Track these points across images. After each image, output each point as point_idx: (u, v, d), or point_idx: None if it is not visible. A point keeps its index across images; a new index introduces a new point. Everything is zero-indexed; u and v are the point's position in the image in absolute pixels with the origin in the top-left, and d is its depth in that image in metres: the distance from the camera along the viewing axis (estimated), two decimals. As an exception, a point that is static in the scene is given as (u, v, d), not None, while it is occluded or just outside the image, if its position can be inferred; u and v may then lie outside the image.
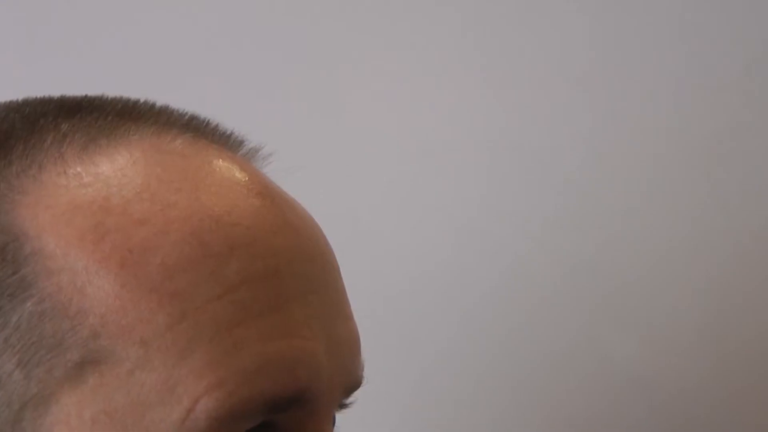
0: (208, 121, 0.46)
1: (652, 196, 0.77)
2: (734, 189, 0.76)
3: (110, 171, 0.41)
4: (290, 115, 0.81)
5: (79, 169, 0.41)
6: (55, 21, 0.86)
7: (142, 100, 0.45)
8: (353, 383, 0.46)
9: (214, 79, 0.82)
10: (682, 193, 0.76)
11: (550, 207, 0.78)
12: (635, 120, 0.77)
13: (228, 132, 0.46)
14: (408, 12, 0.80)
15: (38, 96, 0.45)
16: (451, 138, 0.80)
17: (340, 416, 0.47)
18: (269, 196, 0.44)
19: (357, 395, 0.47)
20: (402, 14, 0.81)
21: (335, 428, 0.46)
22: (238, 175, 0.43)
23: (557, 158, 0.78)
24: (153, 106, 0.45)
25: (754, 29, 0.76)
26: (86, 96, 0.45)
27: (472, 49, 0.80)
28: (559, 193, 0.78)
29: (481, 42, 0.80)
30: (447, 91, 0.80)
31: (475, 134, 0.79)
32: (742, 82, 0.76)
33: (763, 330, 0.75)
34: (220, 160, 0.44)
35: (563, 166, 0.78)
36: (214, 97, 0.74)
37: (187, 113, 0.46)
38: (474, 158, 0.79)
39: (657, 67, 0.77)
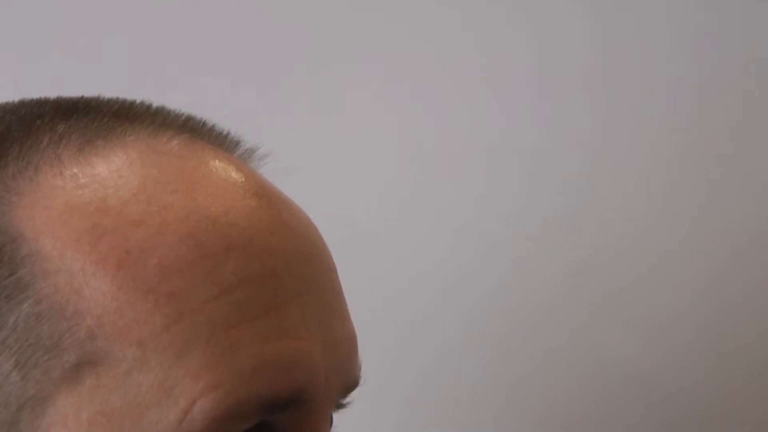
0: (205, 121, 0.46)
1: (650, 197, 0.77)
2: (733, 190, 0.76)
3: (107, 172, 0.41)
4: (287, 116, 0.81)
5: (75, 170, 0.41)
6: (54, 21, 0.86)
7: (138, 101, 0.45)
8: (350, 383, 0.46)
9: (211, 79, 0.82)
10: (681, 194, 0.76)
11: (548, 207, 0.78)
12: (634, 121, 0.77)
13: (224, 133, 0.46)
14: (407, 12, 0.80)
15: (35, 97, 0.45)
16: (449, 138, 0.80)
17: (338, 416, 0.47)
18: (266, 196, 0.44)
19: (354, 395, 0.47)
20: (401, 14, 0.81)
21: (333, 428, 0.46)
22: (235, 175, 0.43)
23: (556, 159, 0.78)
24: (149, 107, 0.45)
25: (754, 29, 0.76)
26: (82, 97, 0.45)
27: (471, 50, 0.80)
28: (557, 194, 0.78)
29: (480, 42, 0.80)
30: (446, 92, 0.80)
31: (473, 135, 0.79)
32: (742, 83, 0.76)
33: (761, 330, 0.75)
34: (217, 161, 0.44)
35: (562, 167, 0.78)
36: (210, 97, 0.74)
37: (183, 114, 0.46)
38: (472, 159, 0.79)
39: (656, 69, 0.77)
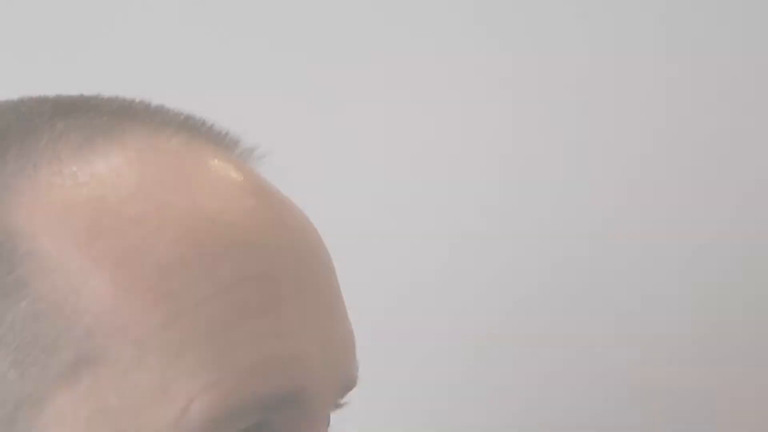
0: (204, 121, 0.46)
1: (649, 201, 0.77)
2: (731, 194, 0.76)
3: (105, 170, 0.41)
4: (287, 116, 0.81)
5: (74, 168, 0.41)
6: (54, 19, 0.86)
7: (137, 100, 0.45)
8: (348, 383, 0.46)
9: (210, 79, 0.82)
10: (678, 198, 0.76)
11: (545, 210, 0.78)
12: (630, 123, 0.77)
13: (223, 132, 0.46)
14: (406, 13, 0.80)
15: (34, 95, 0.45)
16: (445, 140, 0.80)
17: (335, 416, 0.47)
18: (264, 196, 0.44)
19: (351, 395, 0.47)
20: (400, 15, 0.81)
21: (330, 428, 0.46)
22: (234, 174, 0.44)
23: (554, 161, 0.78)
24: (148, 105, 0.45)
25: (753, 31, 0.76)
26: (82, 95, 0.45)
27: (471, 51, 0.80)
28: (555, 197, 0.78)
29: (478, 43, 0.80)
30: (444, 93, 0.80)
31: (468, 136, 0.79)
32: (739, 86, 0.76)
33: (761, 336, 0.75)
34: (216, 160, 0.44)
35: (560, 170, 0.78)
36: (210, 97, 0.74)
37: (182, 113, 0.46)
38: (468, 161, 0.79)
39: (653, 72, 0.77)
